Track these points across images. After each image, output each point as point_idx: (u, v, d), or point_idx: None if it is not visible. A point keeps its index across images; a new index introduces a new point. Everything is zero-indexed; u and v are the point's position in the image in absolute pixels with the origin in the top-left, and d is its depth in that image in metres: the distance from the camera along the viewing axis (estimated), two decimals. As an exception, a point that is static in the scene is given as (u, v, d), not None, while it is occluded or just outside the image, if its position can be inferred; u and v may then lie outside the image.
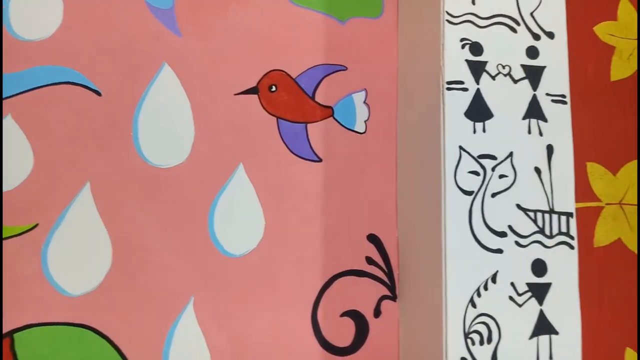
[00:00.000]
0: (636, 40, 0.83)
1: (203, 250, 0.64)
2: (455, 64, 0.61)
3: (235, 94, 0.68)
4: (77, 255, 0.61)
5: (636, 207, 0.80)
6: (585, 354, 0.75)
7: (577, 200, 0.80)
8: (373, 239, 0.70)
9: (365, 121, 0.72)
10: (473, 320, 0.57)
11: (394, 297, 0.69)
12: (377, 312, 0.68)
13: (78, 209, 0.62)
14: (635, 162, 0.81)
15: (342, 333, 0.67)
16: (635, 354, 0.76)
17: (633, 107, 0.82)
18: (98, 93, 0.64)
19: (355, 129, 0.71)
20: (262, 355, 0.64)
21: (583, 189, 0.79)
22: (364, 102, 0.72)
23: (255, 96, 0.68)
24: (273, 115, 0.69)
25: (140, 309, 0.61)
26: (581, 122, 0.80)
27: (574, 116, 0.82)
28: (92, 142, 0.64)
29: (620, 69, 0.82)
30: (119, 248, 0.62)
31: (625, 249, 0.79)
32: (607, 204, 0.79)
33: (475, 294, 0.58)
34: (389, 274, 0.70)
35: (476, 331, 0.57)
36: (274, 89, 0.69)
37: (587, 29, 0.82)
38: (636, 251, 0.79)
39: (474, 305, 0.58)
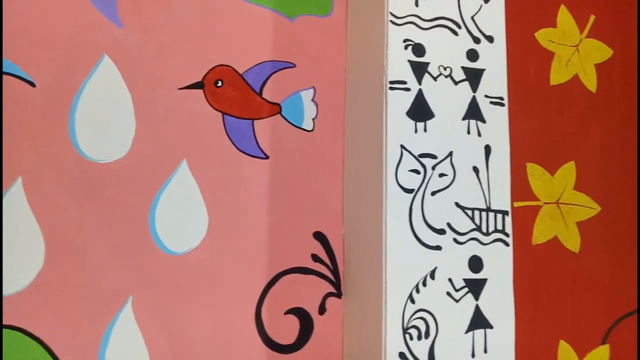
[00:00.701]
0: (574, 47, 0.87)
1: (143, 248, 0.62)
2: (398, 64, 0.62)
3: (180, 89, 0.66)
4: (7, 253, 0.58)
5: (572, 206, 0.83)
6: (522, 347, 0.78)
7: (517, 200, 0.84)
8: (319, 236, 0.70)
9: (313, 119, 0.72)
10: (412, 316, 0.59)
11: (339, 294, 0.70)
12: (322, 310, 0.69)
13: (8, 205, 0.59)
14: (573, 163, 0.84)
15: (286, 331, 0.67)
16: (568, 346, 0.80)
17: (571, 110, 0.86)
18: (32, 84, 0.61)
19: (303, 127, 0.71)
20: (204, 355, 0.63)
21: (523, 189, 0.82)
22: (312, 99, 0.72)
23: (201, 91, 0.67)
24: (219, 111, 0.68)
25: (75, 309, 0.59)
26: (522, 125, 0.83)
27: (516, 118, 0.86)
28: (24, 136, 0.61)
29: (559, 74, 0.86)
30: (52, 246, 0.59)
31: (561, 246, 0.82)
32: (545, 203, 0.82)
33: (414, 290, 0.59)
34: (335, 271, 0.70)
35: (414, 326, 0.59)
36: (220, 84, 0.68)
37: (528, 35, 0.85)
38: (571, 248, 0.82)
39: (412, 301, 0.59)
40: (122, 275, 0.61)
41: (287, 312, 0.67)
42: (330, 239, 0.71)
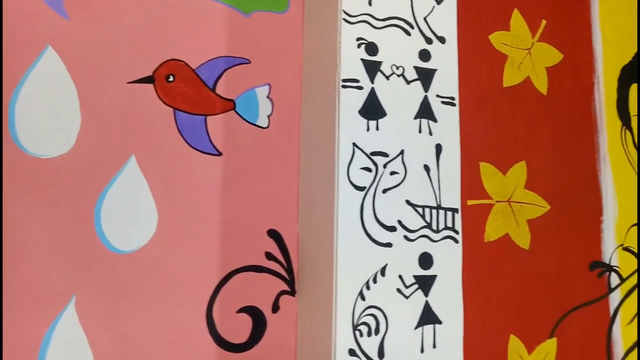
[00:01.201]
0: (526, 50, 0.90)
1: (87, 247, 0.60)
2: (351, 62, 0.62)
3: (129, 83, 0.65)
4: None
5: (523, 204, 0.86)
6: (474, 341, 0.80)
7: (470, 198, 0.85)
8: (273, 234, 0.70)
9: (268, 116, 0.71)
10: (362, 313, 0.59)
11: (293, 293, 0.69)
12: (275, 308, 0.68)
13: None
14: (524, 162, 0.87)
15: (238, 329, 0.66)
16: (518, 340, 0.82)
17: (522, 112, 0.88)
18: (-31, 74, 0.58)
19: (258, 123, 0.71)
20: (151, 355, 0.62)
21: (476, 187, 0.83)
22: (268, 96, 0.71)
23: (151, 86, 0.65)
24: (170, 106, 0.66)
25: (13, 309, 0.56)
26: (475, 125, 0.85)
27: (469, 119, 0.88)
28: (-40, 128, 0.58)
29: (512, 76, 0.88)
30: (-11, 244, 0.57)
31: (512, 244, 0.85)
32: (497, 201, 0.84)
33: (365, 287, 0.60)
34: (289, 269, 0.70)
35: (365, 323, 0.59)
36: (171, 79, 0.66)
37: (483, 37, 0.87)
38: (522, 245, 0.85)
39: (363, 298, 0.59)
40: (65, 275, 0.59)
41: (240, 311, 0.67)
42: (284, 237, 0.70)
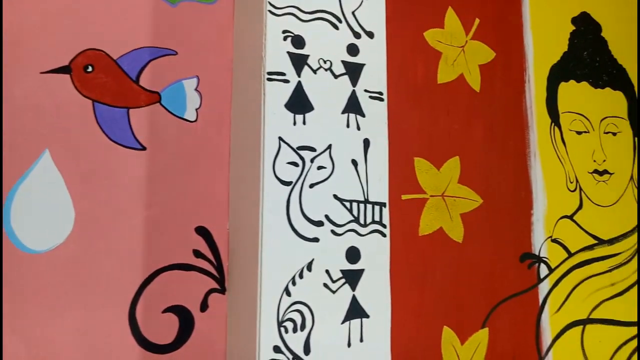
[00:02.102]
0: (460, 48, 0.92)
1: (-6, 247, 0.57)
2: (276, 55, 0.61)
3: (42, 73, 0.61)
4: None
5: (456, 198, 0.88)
6: (407, 333, 0.81)
7: (404, 193, 0.87)
8: (202, 231, 0.68)
9: (196, 109, 0.69)
10: (287, 309, 0.58)
11: (222, 290, 0.68)
12: (204, 306, 0.67)
13: None
14: (457, 157, 0.89)
15: (164, 330, 0.64)
16: (451, 331, 0.84)
17: (456, 108, 0.90)
18: None
19: (186, 117, 0.68)
20: (68, 360, 0.59)
21: (410, 182, 0.85)
22: (196, 89, 0.69)
23: (67, 76, 0.62)
24: (88, 98, 0.63)
25: None
26: (410, 121, 0.86)
27: (404, 115, 0.89)
28: None
29: (446, 73, 0.90)
30: None
31: (446, 237, 0.86)
32: (431, 195, 0.86)
33: (291, 283, 0.59)
34: (219, 266, 0.68)
35: (290, 319, 0.58)
36: (90, 69, 0.63)
37: (417, 34, 0.88)
38: (455, 239, 0.87)
39: (288, 294, 0.59)
40: (-32, 277, 0.55)
41: (165, 311, 0.65)
42: (214, 234, 0.68)
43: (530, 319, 0.91)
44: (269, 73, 0.60)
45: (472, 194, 0.89)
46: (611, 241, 1.01)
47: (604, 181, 1.02)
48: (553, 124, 0.99)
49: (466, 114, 0.91)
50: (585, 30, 1.06)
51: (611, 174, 1.03)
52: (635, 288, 1.02)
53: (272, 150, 0.59)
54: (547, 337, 0.92)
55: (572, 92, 1.02)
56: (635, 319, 1.00)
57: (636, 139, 1.07)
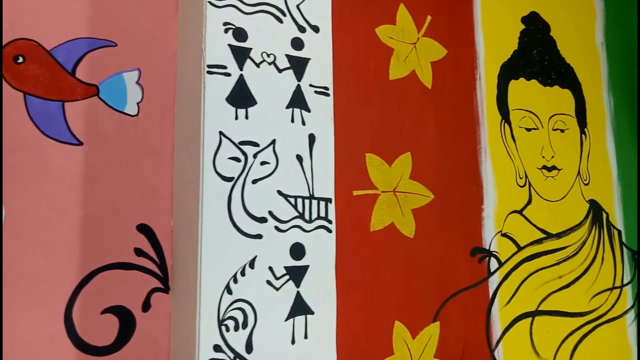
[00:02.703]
0: (412, 45, 0.92)
1: None
2: (217, 47, 0.59)
3: (-33, 63, 0.58)
4: None
5: (408, 194, 0.88)
6: (358, 328, 0.81)
7: (356, 188, 0.87)
8: (144, 229, 0.66)
9: (138, 103, 0.67)
10: (229, 307, 0.57)
11: (166, 289, 0.66)
12: (146, 306, 0.65)
13: None
14: (409, 153, 0.90)
15: (103, 331, 0.62)
16: (403, 326, 0.85)
17: (408, 104, 0.91)
18: None
19: (126, 111, 0.66)
20: (-4, 365, 0.56)
21: (362, 178, 0.85)
22: (137, 82, 0.67)
23: (-5, 67, 0.59)
24: (19, 91, 0.60)
25: None
26: (362, 117, 0.86)
27: (354, 110, 0.89)
28: None
29: (398, 70, 0.90)
30: None
31: (398, 232, 0.87)
32: (383, 191, 0.86)
33: (232, 281, 0.58)
34: (162, 265, 0.66)
35: (232, 317, 0.57)
36: (20, 60, 0.60)
37: (369, 30, 0.88)
38: (407, 234, 0.87)
39: (229, 292, 0.57)
40: None
41: (104, 311, 0.62)
42: (157, 232, 0.66)
43: (481, 312, 0.93)
44: (209, 66, 0.59)
45: (424, 190, 0.90)
46: (559, 235, 1.04)
47: (552, 177, 1.05)
48: (503, 120, 1.01)
49: (418, 110, 0.91)
50: (535, 29, 1.09)
51: (559, 169, 1.06)
52: (582, 279, 1.06)
53: (213, 145, 0.58)
54: (497, 330, 0.94)
55: (522, 90, 1.04)
56: (581, 310, 1.04)
57: (583, 136, 1.11)
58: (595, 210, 1.10)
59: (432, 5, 0.96)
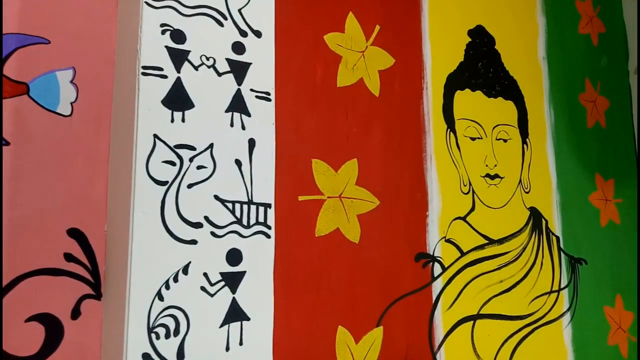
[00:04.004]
0: (360, 53, 0.94)
1: None
2: (153, 49, 0.58)
3: None
4: None
5: (354, 200, 0.90)
6: (300, 333, 0.81)
7: (301, 194, 0.87)
8: (75, 233, 0.63)
9: (72, 103, 0.65)
10: (160, 314, 0.56)
11: (98, 296, 0.64)
12: (75, 314, 0.62)
13: None
14: (355, 160, 0.91)
15: (26, 341, 0.59)
16: (346, 331, 0.85)
17: (355, 111, 0.92)
18: None
19: (59, 111, 0.64)
20: None
21: (308, 184, 0.85)
22: (71, 81, 0.65)
23: None
24: (-62, 86, 0.57)
25: None
26: (308, 122, 0.87)
27: (303, 117, 0.89)
28: None
29: (346, 77, 0.92)
30: None
31: (343, 238, 0.88)
32: (329, 197, 0.87)
33: (164, 287, 0.57)
34: (94, 271, 0.64)
35: (163, 325, 0.56)
36: (-60, 54, 0.57)
37: (317, 37, 0.89)
38: (352, 239, 0.88)
39: (161, 299, 0.56)
40: None
41: (29, 320, 0.59)
42: (89, 237, 0.64)
43: (424, 316, 0.95)
44: (144, 67, 0.57)
45: (370, 196, 0.91)
46: (500, 241, 1.08)
47: (495, 185, 1.09)
48: (449, 129, 1.04)
49: (365, 117, 0.93)
50: (480, 42, 1.13)
51: (502, 178, 1.10)
52: (522, 284, 1.10)
53: (146, 148, 0.57)
54: (439, 333, 0.96)
55: (467, 100, 1.08)
56: (521, 313, 1.08)
57: (524, 146, 1.16)
58: (535, 217, 1.15)
59: (381, 15, 0.98)
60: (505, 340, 1.05)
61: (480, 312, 1.02)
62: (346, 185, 0.89)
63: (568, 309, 1.15)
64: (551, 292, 1.14)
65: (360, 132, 0.92)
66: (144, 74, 0.57)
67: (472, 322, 1.01)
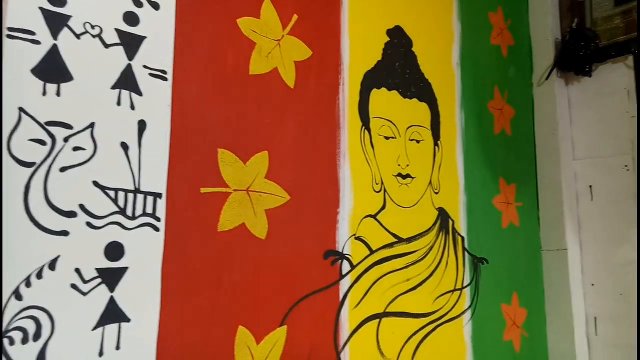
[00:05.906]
0: (276, 42, 0.90)
1: None
2: (24, 9, 0.50)
3: None
4: None
5: (262, 194, 0.86)
6: (197, 335, 0.76)
7: (205, 186, 0.81)
8: None
9: None
10: (16, 316, 0.48)
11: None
12: None
13: None
14: (266, 152, 0.87)
15: None
16: (247, 331, 0.81)
17: (268, 102, 0.88)
18: None
19: None
20: None
21: (212, 175, 0.79)
22: None
23: None
24: None
25: None
26: (216, 110, 0.81)
27: (210, 103, 0.83)
28: None
29: (259, 65, 0.87)
30: None
31: (249, 233, 0.83)
32: (235, 190, 0.82)
33: (24, 285, 0.49)
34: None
35: (19, 328, 0.48)
36: None
37: (230, 20, 0.84)
38: (258, 235, 0.84)
39: (19, 298, 0.49)
40: None
41: None
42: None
43: (330, 314, 0.93)
44: (11, 29, 0.49)
45: (280, 190, 0.88)
46: (409, 240, 1.10)
47: (406, 184, 1.11)
48: (364, 127, 1.04)
49: (278, 109, 0.89)
50: (399, 43, 1.14)
51: (413, 178, 1.12)
52: (428, 282, 1.12)
53: (9, 123, 0.49)
54: (345, 332, 0.95)
55: (383, 100, 1.08)
56: (426, 311, 1.10)
57: (436, 147, 1.19)
58: (443, 218, 1.18)
59: (300, 5, 0.94)
60: (410, 338, 1.07)
61: (387, 311, 1.03)
62: (255, 178, 0.85)
63: (469, 307, 1.19)
64: (455, 290, 1.18)
65: (273, 123, 0.88)
66: (9, 36, 0.49)
67: (378, 320, 1.01)
